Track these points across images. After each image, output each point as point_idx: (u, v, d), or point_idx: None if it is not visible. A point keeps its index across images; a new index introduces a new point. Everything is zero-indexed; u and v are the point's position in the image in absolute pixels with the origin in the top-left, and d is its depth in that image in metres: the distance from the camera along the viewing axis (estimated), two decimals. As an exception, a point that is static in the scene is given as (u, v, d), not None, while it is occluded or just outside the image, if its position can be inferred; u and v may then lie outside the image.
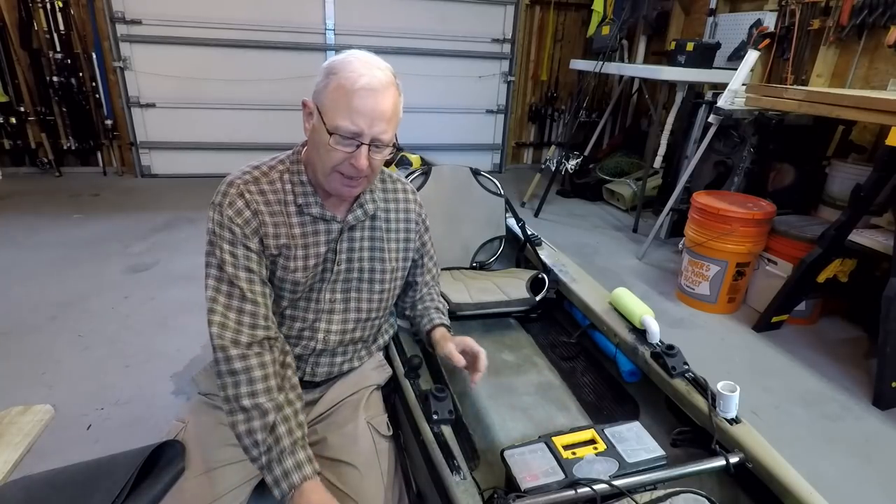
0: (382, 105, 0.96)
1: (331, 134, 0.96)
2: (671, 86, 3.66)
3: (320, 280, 1.12)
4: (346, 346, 1.22)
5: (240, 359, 0.96)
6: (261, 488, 1.26)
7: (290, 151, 1.12)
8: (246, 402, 0.94)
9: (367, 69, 0.96)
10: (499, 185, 2.08)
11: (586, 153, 4.48)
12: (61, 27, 3.92)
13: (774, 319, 2.41)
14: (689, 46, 3.35)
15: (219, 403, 1.17)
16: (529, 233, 2.08)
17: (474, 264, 2.04)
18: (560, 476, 0.95)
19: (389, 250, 1.18)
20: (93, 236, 3.09)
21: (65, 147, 4.24)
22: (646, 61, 4.60)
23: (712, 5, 3.87)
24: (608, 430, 1.08)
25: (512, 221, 2.13)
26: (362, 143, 0.96)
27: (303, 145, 1.11)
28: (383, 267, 1.18)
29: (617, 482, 0.94)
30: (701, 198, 2.57)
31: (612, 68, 3.90)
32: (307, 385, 1.22)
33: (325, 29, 4.36)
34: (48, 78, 3.99)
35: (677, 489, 0.95)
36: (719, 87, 3.24)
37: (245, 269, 1.01)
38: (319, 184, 1.06)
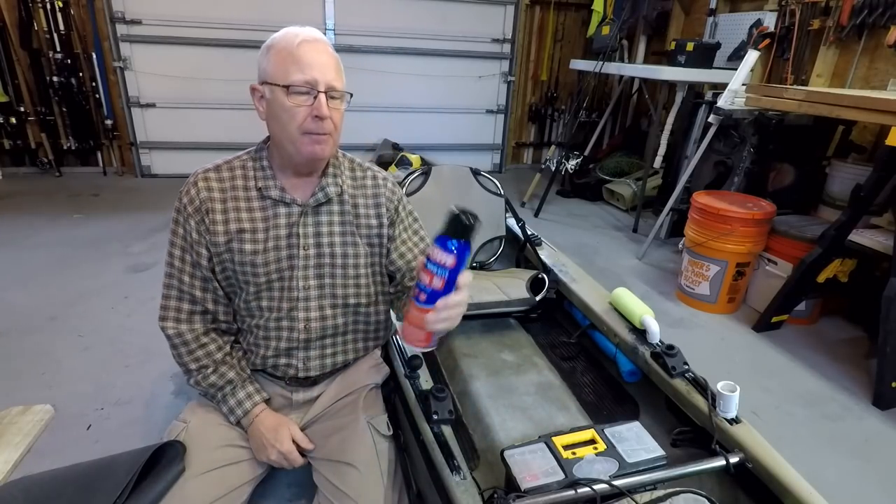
0: (326, 55, 1.01)
1: (287, 88, 0.98)
2: (671, 86, 3.65)
3: (289, 266, 1.12)
4: (335, 336, 1.21)
5: (182, 344, 1.13)
6: (261, 488, 1.26)
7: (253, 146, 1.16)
8: (192, 366, 1.13)
9: (300, 29, 1.02)
10: (499, 185, 2.08)
11: (586, 153, 4.48)
12: (61, 27, 3.91)
13: (774, 319, 2.41)
14: (689, 46, 3.35)
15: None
16: (529, 233, 2.09)
17: (474, 264, 2.04)
18: (560, 476, 0.95)
19: (360, 236, 1.17)
20: (93, 236, 3.09)
21: (65, 147, 4.24)
22: (646, 61, 4.60)
23: (712, 5, 3.87)
24: (608, 430, 1.08)
25: (512, 221, 2.14)
26: (319, 92, 0.98)
27: (267, 138, 1.13)
28: (356, 251, 1.16)
29: (617, 482, 0.94)
30: (701, 198, 2.57)
31: (612, 68, 3.90)
32: (303, 383, 1.22)
33: (326, 29, 4.36)
34: (48, 78, 3.99)
35: (677, 489, 0.95)
36: (719, 87, 3.25)
37: (191, 261, 1.10)
38: (290, 161, 1.07)
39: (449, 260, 0.80)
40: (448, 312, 0.84)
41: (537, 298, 1.77)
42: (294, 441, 1.14)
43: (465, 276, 0.85)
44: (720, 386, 1.14)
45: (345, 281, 1.17)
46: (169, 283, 1.13)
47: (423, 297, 0.83)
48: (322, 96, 0.98)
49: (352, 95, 1.06)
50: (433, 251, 0.81)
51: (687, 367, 1.27)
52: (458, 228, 0.80)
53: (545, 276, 1.84)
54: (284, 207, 1.10)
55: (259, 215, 1.10)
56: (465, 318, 1.82)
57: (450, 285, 0.82)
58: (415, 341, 0.86)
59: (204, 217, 1.08)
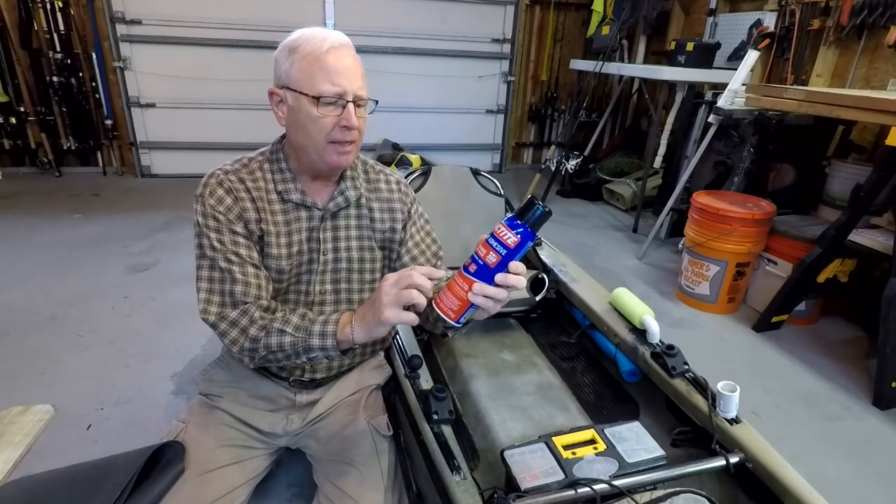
0: (353, 60, 0.99)
1: (317, 99, 0.95)
2: (671, 86, 3.65)
3: (308, 271, 1.10)
4: None
5: (241, 331, 0.97)
6: (261, 488, 1.26)
7: (268, 146, 1.11)
8: (259, 326, 0.96)
9: (325, 33, 0.99)
10: (499, 185, 2.08)
11: (586, 153, 4.48)
12: (61, 27, 3.92)
13: (774, 319, 2.41)
14: (689, 46, 3.35)
15: (219, 404, 1.17)
16: (529, 233, 2.08)
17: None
18: (560, 476, 0.95)
19: (375, 240, 1.16)
20: (93, 236, 3.09)
21: (65, 147, 4.24)
22: (646, 61, 4.60)
23: (712, 5, 3.87)
24: (608, 430, 1.08)
25: (512, 221, 2.13)
26: (348, 102, 0.96)
27: (280, 138, 1.10)
28: (373, 256, 1.16)
29: (617, 482, 0.94)
30: (701, 198, 2.57)
31: (612, 68, 3.90)
32: (307, 385, 1.22)
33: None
34: (48, 78, 3.99)
35: (677, 489, 0.95)
36: (719, 87, 3.24)
37: (234, 254, 1.00)
38: (307, 168, 1.05)
39: (511, 239, 0.77)
40: (493, 291, 0.79)
41: (537, 298, 1.77)
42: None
43: (520, 266, 0.80)
44: (720, 386, 1.14)
45: (361, 286, 1.16)
46: (210, 276, 0.99)
47: (472, 267, 0.80)
48: (350, 106, 0.96)
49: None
50: (499, 228, 0.78)
51: (687, 367, 1.27)
52: (533, 214, 0.78)
53: (545, 276, 1.84)
54: (305, 211, 1.08)
55: (281, 219, 1.06)
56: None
57: (502, 266, 0.79)
58: (446, 310, 0.81)
59: (241, 214, 1.02)
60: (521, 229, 0.77)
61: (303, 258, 1.09)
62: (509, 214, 0.79)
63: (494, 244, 0.78)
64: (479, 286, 0.79)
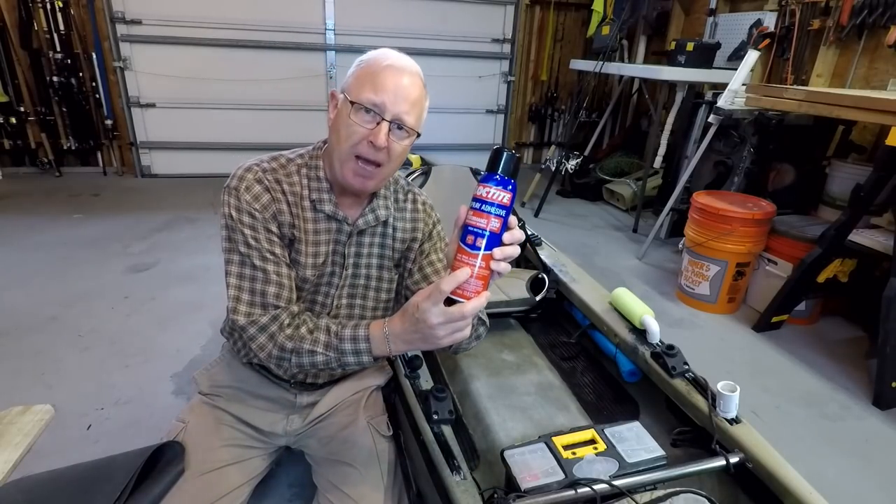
0: (408, 86, 0.96)
1: (352, 104, 0.93)
2: (671, 86, 3.65)
3: (328, 283, 1.09)
4: None
5: (269, 337, 0.96)
6: (261, 488, 1.26)
7: (309, 147, 1.09)
8: (289, 344, 0.94)
9: (395, 56, 0.99)
10: (499, 185, 2.08)
11: (586, 153, 4.48)
12: (61, 27, 3.92)
13: (774, 319, 2.41)
14: (689, 46, 3.35)
15: (219, 404, 1.17)
16: (529, 233, 2.08)
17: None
18: (560, 476, 0.95)
19: (393, 259, 1.14)
20: (93, 236, 3.09)
21: (65, 147, 4.24)
22: (646, 61, 4.60)
23: (712, 5, 3.87)
24: (608, 430, 1.08)
25: (512, 221, 2.13)
26: (383, 119, 0.93)
27: (323, 142, 1.08)
28: (391, 276, 1.15)
29: (617, 482, 0.94)
30: (701, 198, 2.57)
31: (612, 68, 3.90)
32: (309, 387, 1.22)
33: (325, 29, 4.36)
34: (48, 78, 3.99)
35: (677, 489, 0.95)
36: (719, 87, 3.25)
37: (270, 252, 0.98)
38: (336, 179, 1.02)
39: (506, 197, 0.75)
40: (510, 250, 0.77)
41: (537, 298, 1.77)
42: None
43: (513, 219, 0.79)
44: (720, 386, 1.14)
45: (375, 304, 1.15)
46: (240, 274, 0.97)
47: (481, 242, 0.75)
48: (385, 125, 0.93)
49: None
50: (487, 190, 0.75)
51: (687, 367, 1.27)
52: (509, 164, 0.76)
53: (545, 276, 1.84)
54: (336, 223, 1.06)
55: (311, 227, 1.04)
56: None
57: (504, 225, 0.77)
58: (470, 294, 0.77)
59: (276, 214, 0.99)
60: (509, 185, 0.76)
61: (325, 270, 1.08)
62: (483, 173, 0.77)
63: (492, 209, 0.76)
64: (499, 252, 0.77)
